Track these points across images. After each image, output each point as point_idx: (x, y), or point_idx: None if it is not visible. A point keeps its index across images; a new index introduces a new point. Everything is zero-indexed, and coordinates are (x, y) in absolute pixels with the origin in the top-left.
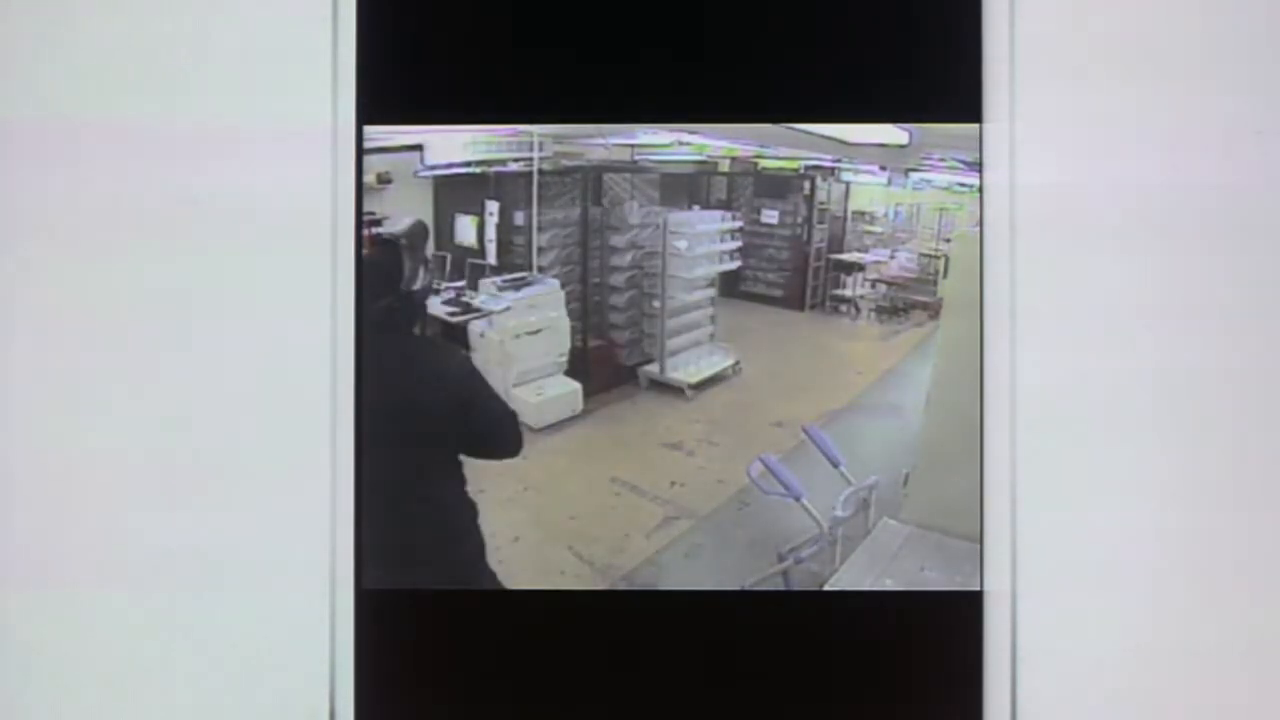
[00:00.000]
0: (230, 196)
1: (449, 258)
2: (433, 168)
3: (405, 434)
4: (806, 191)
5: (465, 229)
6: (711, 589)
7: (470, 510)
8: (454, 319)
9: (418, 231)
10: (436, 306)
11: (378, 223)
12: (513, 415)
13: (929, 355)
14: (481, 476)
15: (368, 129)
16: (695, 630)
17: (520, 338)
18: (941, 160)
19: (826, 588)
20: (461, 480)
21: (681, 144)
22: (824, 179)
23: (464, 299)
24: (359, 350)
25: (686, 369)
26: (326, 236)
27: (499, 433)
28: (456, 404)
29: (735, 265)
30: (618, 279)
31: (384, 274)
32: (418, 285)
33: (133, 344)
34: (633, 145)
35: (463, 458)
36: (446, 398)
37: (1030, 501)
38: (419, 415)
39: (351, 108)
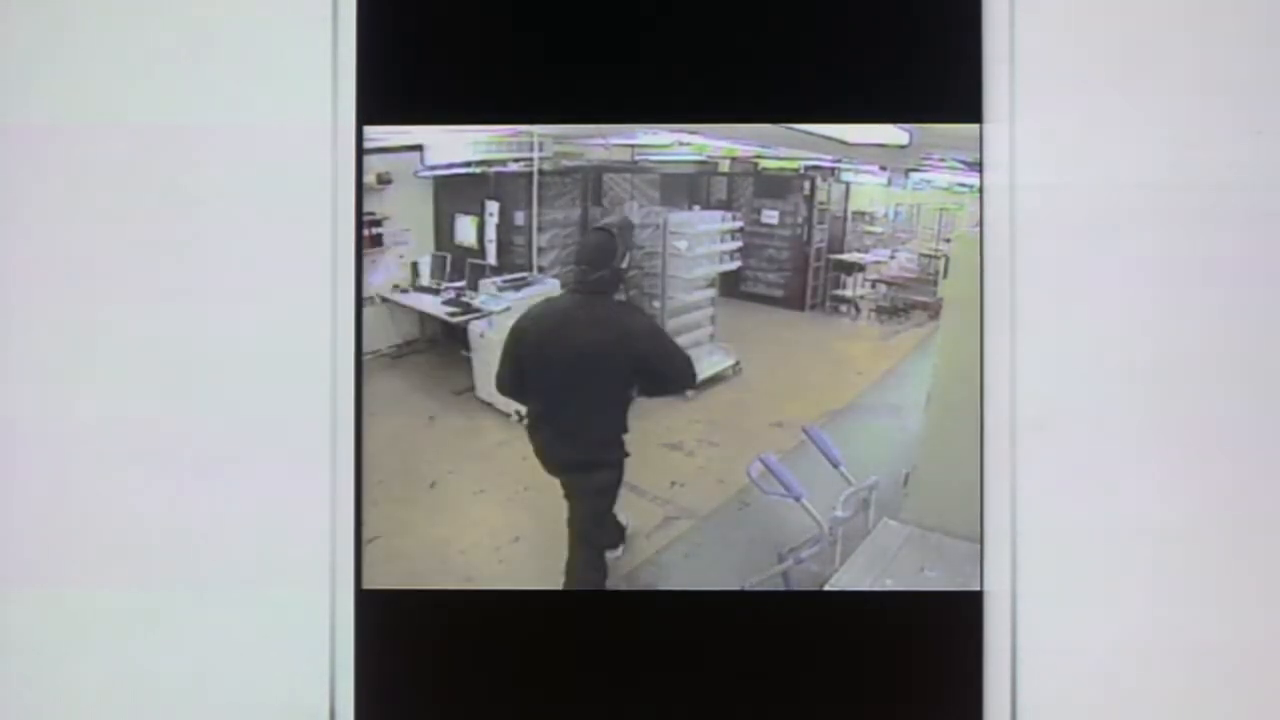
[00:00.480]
0: (230, 196)
1: (449, 258)
2: (433, 168)
3: (591, 376)
4: (806, 192)
5: (465, 229)
6: (711, 589)
7: (621, 449)
8: (454, 319)
9: (626, 224)
10: (436, 307)
11: (378, 223)
12: (688, 359)
13: (929, 355)
14: (482, 476)
15: (368, 129)
16: (695, 630)
17: None
18: (941, 160)
19: (826, 588)
20: (625, 422)
21: (681, 144)
22: (824, 179)
23: (464, 299)
24: (359, 350)
25: None
26: (327, 236)
27: (678, 374)
28: (639, 354)
29: (735, 265)
30: None
31: (603, 253)
32: (625, 264)
33: (132, 343)
34: (633, 145)
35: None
36: (631, 348)
37: (1030, 501)
38: (607, 361)
39: (351, 108)
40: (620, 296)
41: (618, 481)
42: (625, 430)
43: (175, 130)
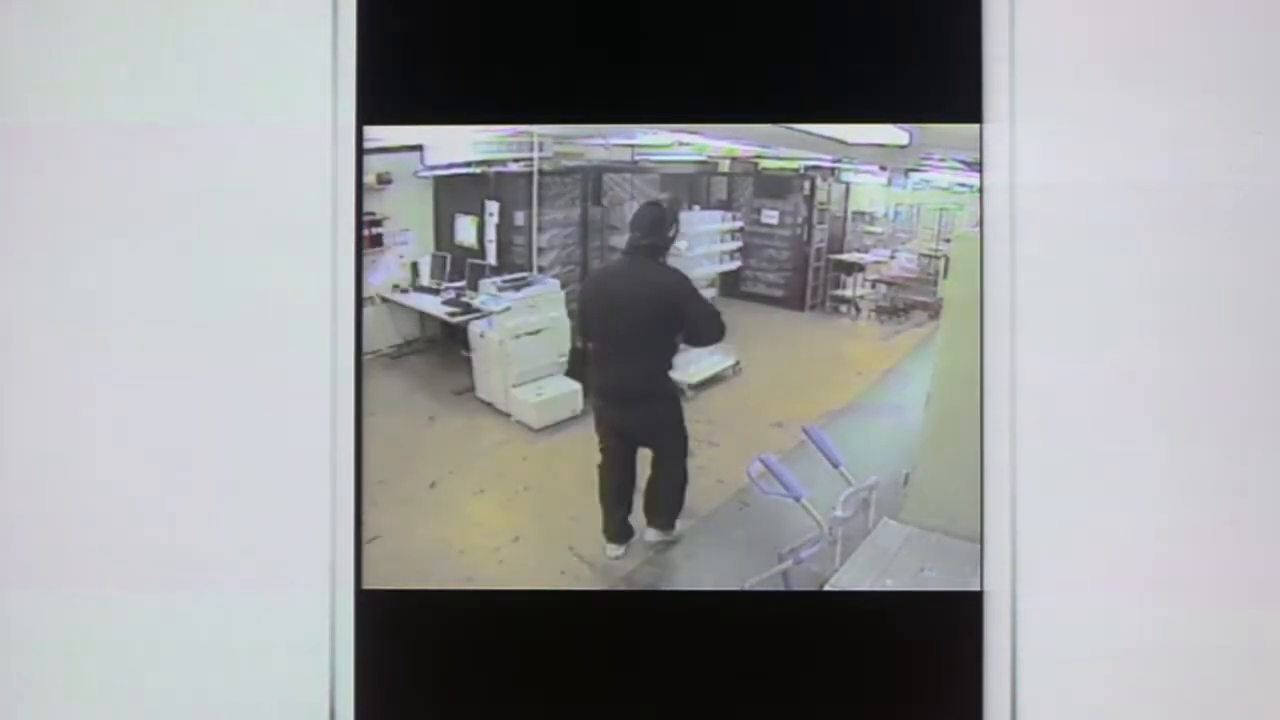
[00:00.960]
0: (231, 196)
1: (449, 258)
2: (433, 168)
3: (642, 320)
4: (806, 192)
5: (465, 229)
6: (711, 589)
7: (671, 382)
8: (454, 319)
9: (675, 200)
10: (436, 307)
11: (378, 223)
12: (717, 314)
13: (929, 355)
14: (482, 476)
15: (368, 129)
16: (695, 630)
17: (520, 338)
18: (941, 160)
19: (826, 588)
20: (669, 364)
21: (681, 144)
22: (824, 179)
23: (464, 299)
24: (359, 349)
25: (686, 369)
26: (327, 236)
27: (709, 327)
28: (680, 307)
29: (735, 265)
30: None
31: (655, 223)
32: (672, 234)
33: (132, 344)
34: (633, 145)
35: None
36: (665, 303)
37: (1030, 501)
38: (655, 310)
39: (351, 108)
40: (665, 260)
41: (679, 420)
42: (671, 368)
43: (175, 130)
